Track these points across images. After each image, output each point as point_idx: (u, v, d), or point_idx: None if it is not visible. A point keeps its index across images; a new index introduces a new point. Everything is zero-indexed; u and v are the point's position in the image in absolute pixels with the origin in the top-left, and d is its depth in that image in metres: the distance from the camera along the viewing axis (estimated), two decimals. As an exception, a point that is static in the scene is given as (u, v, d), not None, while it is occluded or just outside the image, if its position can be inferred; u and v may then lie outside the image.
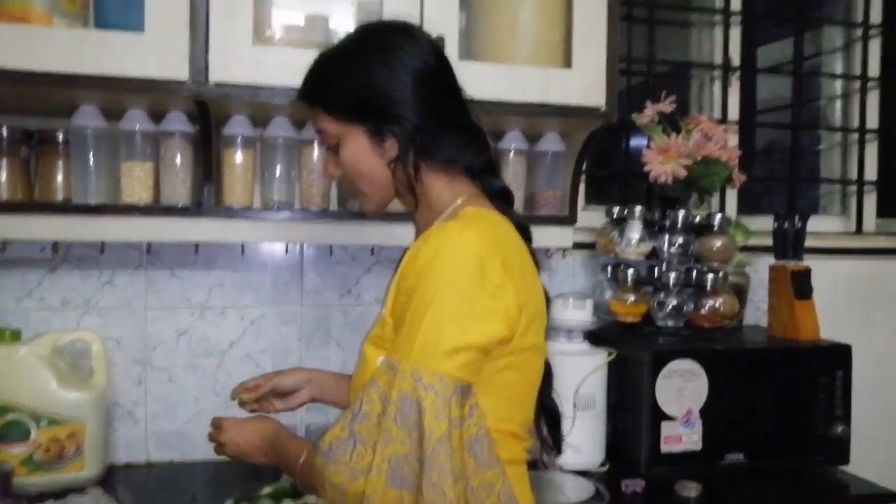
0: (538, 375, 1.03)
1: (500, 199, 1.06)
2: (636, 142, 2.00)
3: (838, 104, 2.39)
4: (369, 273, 1.80)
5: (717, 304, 1.70)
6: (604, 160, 2.08)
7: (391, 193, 1.06)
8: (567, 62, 1.50)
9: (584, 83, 1.49)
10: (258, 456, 1.11)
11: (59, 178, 1.50)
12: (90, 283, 1.65)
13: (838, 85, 2.39)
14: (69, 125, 1.46)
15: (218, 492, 1.48)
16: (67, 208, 1.44)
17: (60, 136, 1.49)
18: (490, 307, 0.90)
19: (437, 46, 1.03)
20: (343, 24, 1.46)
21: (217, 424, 1.16)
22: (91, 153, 1.45)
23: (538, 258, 1.06)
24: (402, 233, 1.56)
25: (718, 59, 2.16)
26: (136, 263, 1.67)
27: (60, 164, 1.50)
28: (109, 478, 1.55)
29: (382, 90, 0.98)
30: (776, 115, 2.42)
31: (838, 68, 2.39)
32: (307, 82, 1.06)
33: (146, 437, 1.68)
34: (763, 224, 1.94)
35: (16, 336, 1.49)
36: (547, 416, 1.10)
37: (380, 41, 1.00)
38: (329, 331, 1.78)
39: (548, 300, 1.05)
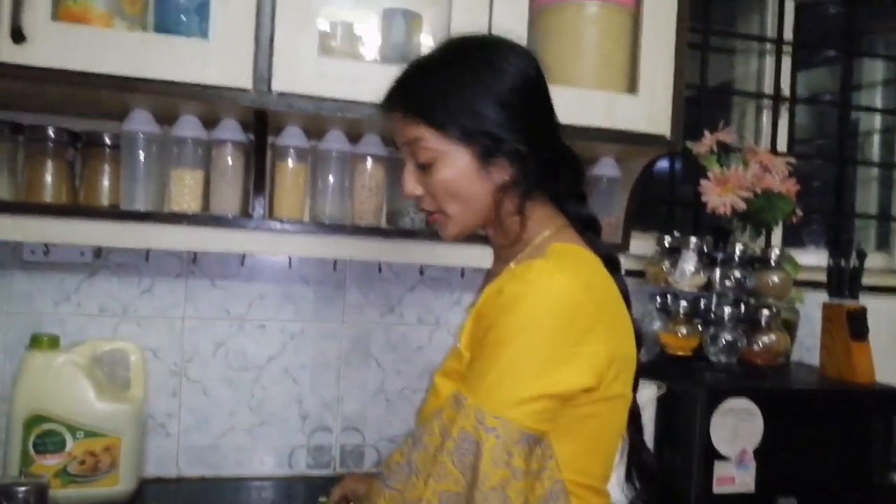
0: (621, 426, 0.96)
1: (587, 229, 0.99)
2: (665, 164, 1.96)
3: (876, 138, 2.37)
4: (413, 292, 1.76)
5: (770, 341, 1.65)
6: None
7: (480, 221, 0.98)
8: (632, 87, 1.46)
9: (650, 110, 1.45)
10: None
11: (105, 182, 1.46)
12: (129, 290, 1.60)
13: (877, 119, 2.37)
14: (120, 129, 1.41)
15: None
16: (115, 214, 1.40)
17: (108, 140, 1.45)
18: (574, 353, 0.84)
19: (537, 62, 0.96)
20: (411, 41, 1.42)
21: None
22: (141, 159, 1.41)
23: (628, 293, 0.98)
24: (450, 253, 1.53)
25: (762, 85, 2.14)
26: (178, 272, 1.63)
27: (107, 168, 1.45)
28: (140, 493, 1.50)
29: (496, 111, 0.91)
30: (806, 146, 2.39)
31: (877, 101, 2.38)
32: (408, 91, 0.95)
33: (178, 451, 1.64)
34: (804, 258, 1.91)
35: (54, 343, 1.44)
36: (641, 472, 1.03)
37: (486, 57, 0.93)
38: (369, 349, 1.74)
39: (639, 343, 0.98)
